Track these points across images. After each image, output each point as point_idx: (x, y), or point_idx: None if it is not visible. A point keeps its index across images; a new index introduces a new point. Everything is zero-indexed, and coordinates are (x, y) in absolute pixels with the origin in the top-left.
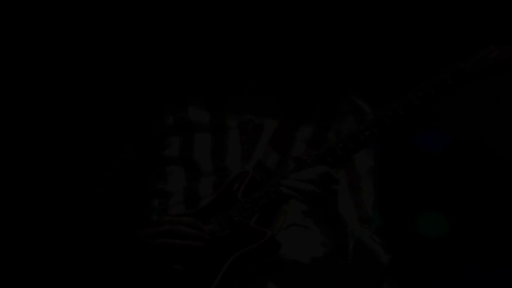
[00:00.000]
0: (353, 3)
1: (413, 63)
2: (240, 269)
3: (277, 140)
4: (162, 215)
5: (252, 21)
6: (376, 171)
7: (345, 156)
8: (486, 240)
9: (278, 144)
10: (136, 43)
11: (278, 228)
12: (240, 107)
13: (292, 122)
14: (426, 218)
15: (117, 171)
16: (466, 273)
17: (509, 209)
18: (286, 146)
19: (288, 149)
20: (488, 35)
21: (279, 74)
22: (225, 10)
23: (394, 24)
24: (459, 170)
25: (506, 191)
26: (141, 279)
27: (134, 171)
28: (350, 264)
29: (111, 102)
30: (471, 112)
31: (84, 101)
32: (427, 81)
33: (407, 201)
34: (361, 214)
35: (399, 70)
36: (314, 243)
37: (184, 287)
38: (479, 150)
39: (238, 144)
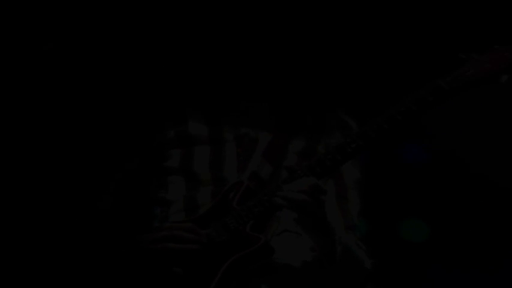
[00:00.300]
0: (337, 27)
1: (394, 82)
2: (236, 271)
3: (270, 153)
4: (163, 222)
5: (249, 42)
6: (362, 182)
7: (333, 167)
8: (465, 244)
9: (271, 156)
10: (142, 64)
11: (271, 234)
12: (236, 121)
13: (285, 136)
14: (408, 224)
15: (122, 182)
16: (445, 276)
17: (484, 214)
18: (279, 157)
19: (280, 160)
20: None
21: (273, 91)
22: (221, 28)
23: (375, 46)
24: (438, 180)
25: (480, 199)
26: (143, 281)
27: (138, 181)
28: (337, 268)
29: (116, 116)
30: (449, 127)
31: (91, 115)
32: (408, 97)
33: (390, 209)
34: (347, 222)
35: (382, 88)
36: (304, 249)
37: None
38: (455, 162)
39: (234, 156)
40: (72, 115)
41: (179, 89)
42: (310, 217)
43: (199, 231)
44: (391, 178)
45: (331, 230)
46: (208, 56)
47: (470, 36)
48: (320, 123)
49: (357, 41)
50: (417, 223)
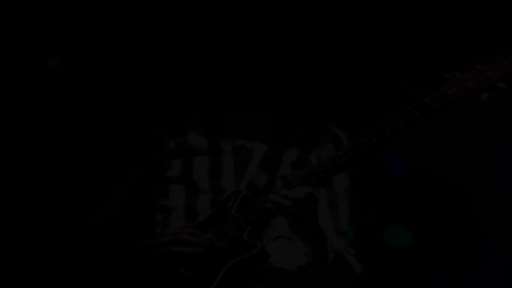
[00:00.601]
0: (326, 44)
1: (382, 97)
2: (235, 275)
3: (266, 163)
4: (164, 228)
5: (245, 57)
6: (351, 191)
7: (325, 178)
8: (446, 248)
9: (267, 166)
10: (145, 78)
11: (267, 240)
12: (233, 133)
13: (279, 147)
14: (392, 231)
15: (125, 190)
16: (428, 278)
17: (463, 220)
18: (274, 168)
19: (275, 170)
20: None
21: (268, 105)
22: (220, 42)
23: (365, 62)
24: (420, 189)
25: (458, 206)
26: (148, 284)
27: (141, 189)
28: (329, 272)
29: (119, 128)
30: (428, 142)
31: (95, 126)
32: (396, 113)
33: (376, 216)
34: (337, 228)
35: (371, 102)
36: (298, 253)
37: None
38: (433, 173)
39: (232, 166)
40: (77, 125)
41: (180, 102)
42: (301, 223)
43: (200, 234)
44: (376, 187)
45: (323, 236)
46: (207, 70)
47: (454, 55)
48: (312, 135)
49: (347, 57)
50: (400, 229)
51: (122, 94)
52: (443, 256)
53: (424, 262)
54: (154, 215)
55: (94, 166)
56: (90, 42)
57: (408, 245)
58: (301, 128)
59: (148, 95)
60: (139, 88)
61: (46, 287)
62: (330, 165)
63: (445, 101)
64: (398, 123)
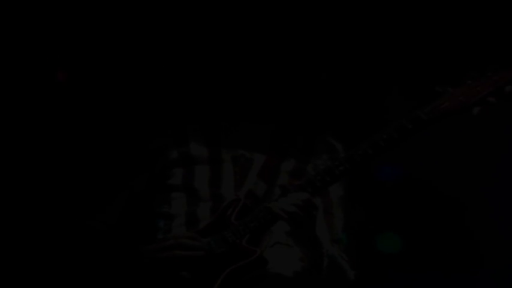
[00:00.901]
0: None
1: (377, 109)
2: (234, 280)
3: (264, 172)
4: (166, 234)
5: (244, 72)
6: (346, 200)
7: (322, 187)
8: (435, 254)
9: (265, 175)
10: (149, 90)
11: (265, 246)
12: (233, 143)
13: (277, 157)
14: (384, 237)
15: (129, 197)
16: (417, 283)
17: (453, 227)
18: (272, 177)
19: (274, 179)
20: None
21: (267, 116)
22: (219, 56)
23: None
24: (409, 197)
25: (447, 214)
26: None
27: (144, 196)
28: (324, 278)
29: (123, 138)
30: (419, 150)
31: (101, 137)
32: (390, 125)
33: (369, 224)
34: (333, 235)
35: (366, 114)
36: (294, 259)
37: None
38: (424, 181)
39: (231, 175)
40: (83, 134)
41: (182, 113)
42: (301, 229)
43: (200, 239)
44: (368, 195)
45: (319, 243)
46: (208, 82)
47: (446, 69)
48: (309, 146)
49: (343, 68)
50: (391, 236)
51: (126, 105)
52: (433, 262)
53: (415, 268)
54: (156, 221)
55: (99, 173)
56: (96, 56)
57: (399, 251)
58: (298, 138)
59: (152, 107)
60: (143, 99)
61: None
62: (327, 175)
63: (437, 114)
64: (392, 136)
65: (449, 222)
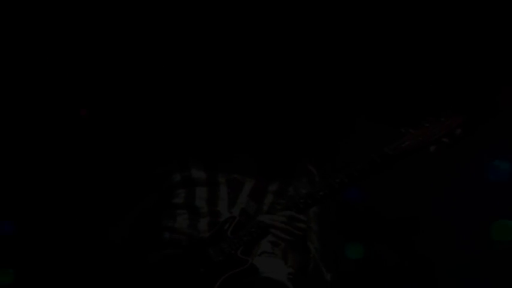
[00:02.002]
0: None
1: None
2: (229, 285)
3: (254, 193)
4: (171, 245)
5: (234, 109)
6: (319, 214)
7: (305, 209)
8: (392, 261)
9: (255, 196)
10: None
11: (254, 255)
12: (228, 168)
13: (264, 180)
14: (350, 246)
15: (140, 214)
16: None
17: (404, 238)
18: (261, 197)
19: (262, 199)
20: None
21: (256, 147)
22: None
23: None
24: (373, 214)
25: (400, 227)
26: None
27: (152, 213)
28: (308, 279)
29: (138, 166)
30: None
31: (116, 164)
32: (363, 159)
33: (338, 235)
34: (312, 244)
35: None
36: (280, 265)
37: None
38: (383, 200)
39: (226, 195)
40: (101, 162)
41: (185, 144)
42: (290, 239)
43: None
44: (338, 211)
45: (307, 249)
46: (206, 118)
47: (408, 113)
48: (291, 171)
49: (317, 106)
50: (355, 245)
51: (139, 138)
52: (390, 268)
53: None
54: (162, 233)
55: (114, 194)
56: (112, 96)
57: (361, 257)
58: (282, 165)
59: (161, 139)
60: (153, 133)
61: None
62: (309, 199)
63: (400, 151)
64: (364, 168)
65: (402, 233)
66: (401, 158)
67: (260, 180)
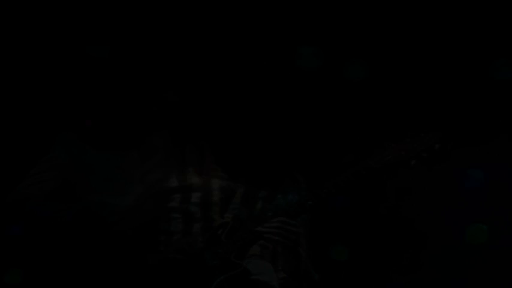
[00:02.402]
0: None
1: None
2: (223, 287)
3: (245, 200)
4: (167, 247)
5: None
6: (306, 220)
7: (295, 216)
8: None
9: (246, 202)
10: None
11: (246, 258)
12: (221, 175)
13: (255, 188)
14: (335, 248)
15: (139, 216)
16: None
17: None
18: (252, 204)
19: (253, 206)
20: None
21: (247, 157)
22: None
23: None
24: (354, 219)
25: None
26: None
27: (151, 216)
28: (300, 279)
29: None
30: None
31: None
32: (348, 170)
33: (323, 237)
34: (302, 248)
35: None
36: (269, 267)
37: None
38: (366, 207)
39: (219, 201)
40: None
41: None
42: (283, 244)
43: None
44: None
45: (298, 254)
46: (201, 125)
47: (391, 129)
48: (279, 179)
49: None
50: (340, 247)
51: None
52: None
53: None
54: (159, 236)
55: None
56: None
57: (346, 259)
58: (271, 173)
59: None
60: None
61: None
62: (299, 207)
63: (382, 164)
64: (350, 179)
65: (384, 236)
66: (384, 171)
67: (250, 186)
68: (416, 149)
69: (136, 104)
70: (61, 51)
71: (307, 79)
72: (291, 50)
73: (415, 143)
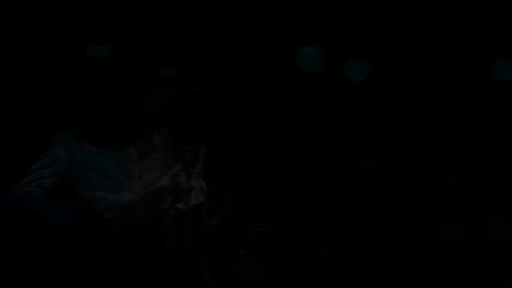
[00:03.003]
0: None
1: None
2: (212, 286)
3: (234, 203)
4: (159, 246)
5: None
6: (290, 222)
7: (282, 221)
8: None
9: (235, 205)
10: None
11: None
12: (211, 178)
13: (243, 193)
14: (318, 248)
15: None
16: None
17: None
18: (241, 206)
19: (242, 208)
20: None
21: (240, 165)
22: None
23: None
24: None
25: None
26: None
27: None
28: (280, 277)
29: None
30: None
31: None
32: (334, 177)
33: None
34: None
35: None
36: (254, 267)
37: None
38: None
39: (209, 203)
40: None
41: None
42: (266, 248)
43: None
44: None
45: (278, 257)
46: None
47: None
48: (268, 184)
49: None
50: (324, 247)
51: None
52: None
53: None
54: (151, 236)
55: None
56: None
57: (329, 256)
58: (260, 178)
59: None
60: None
61: None
62: (285, 212)
63: (366, 172)
64: (335, 185)
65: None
66: (367, 178)
67: (239, 190)
68: (396, 159)
69: (135, 103)
70: (61, 51)
71: (307, 81)
72: (290, 50)
73: (396, 154)
